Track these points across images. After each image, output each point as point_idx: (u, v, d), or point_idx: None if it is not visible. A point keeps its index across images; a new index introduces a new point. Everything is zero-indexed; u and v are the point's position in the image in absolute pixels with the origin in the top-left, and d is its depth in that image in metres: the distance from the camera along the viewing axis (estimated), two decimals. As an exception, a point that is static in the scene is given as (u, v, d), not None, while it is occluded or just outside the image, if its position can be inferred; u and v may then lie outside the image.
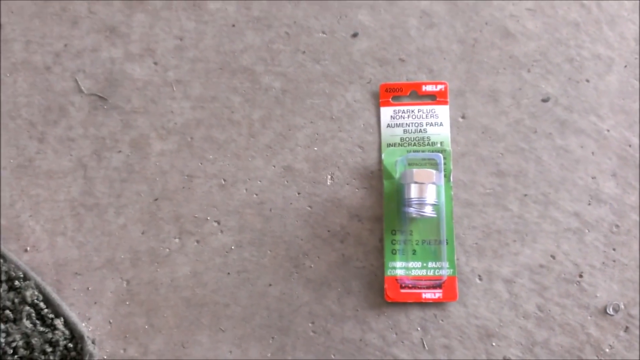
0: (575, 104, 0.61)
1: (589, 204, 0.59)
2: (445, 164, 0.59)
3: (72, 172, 0.61)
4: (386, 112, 0.61)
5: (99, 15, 0.64)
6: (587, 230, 0.59)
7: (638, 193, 0.59)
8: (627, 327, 0.57)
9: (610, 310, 0.57)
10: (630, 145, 0.60)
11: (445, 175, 0.59)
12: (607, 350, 0.57)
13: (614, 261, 0.58)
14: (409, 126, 0.61)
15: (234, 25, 0.63)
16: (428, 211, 0.56)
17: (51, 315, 0.56)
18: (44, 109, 0.62)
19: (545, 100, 0.61)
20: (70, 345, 0.56)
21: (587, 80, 0.61)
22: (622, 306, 0.57)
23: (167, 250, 0.60)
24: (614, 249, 0.58)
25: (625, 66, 0.61)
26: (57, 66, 0.63)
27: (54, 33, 0.63)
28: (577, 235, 0.58)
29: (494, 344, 0.57)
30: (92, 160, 0.61)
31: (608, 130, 0.60)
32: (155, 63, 0.63)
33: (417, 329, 0.58)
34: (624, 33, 0.62)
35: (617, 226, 0.59)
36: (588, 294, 0.58)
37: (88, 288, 0.59)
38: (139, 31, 0.63)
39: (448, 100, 0.61)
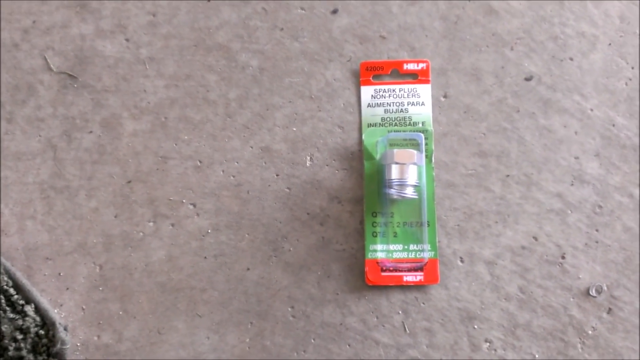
0: (559, 82, 0.59)
1: (572, 185, 0.58)
2: (426, 144, 0.58)
3: (42, 153, 0.59)
4: (367, 91, 0.60)
5: (68, -10, 0.61)
6: (569, 211, 0.58)
7: (621, 173, 0.58)
8: (610, 309, 0.57)
9: (593, 292, 0.57)
10: (614, 125, 0.59)
11: (426, 156, 0.58)
12: (590, 332, 0.57)
13: (597, 242, 0.57)
14: (390, 106, 0.59)
15: (209, 1, 0.61)
16: (409, 192, 0.55)
17: (21, 302, 0.55)
18: (12, 87, 0.60)
19: (528, 79, 0.60)
20: (42, 332, 0.54)
21: (571, 59, 0.60)
22: (604, 288, 0.57)
23: (141, 234, 0.58)
24: (596, 230, 0.58)
25: (610, 44, 0.60)
26: (25, 43, 0.60)
27: (22, 9, 0.61)
28: (560, 216, 0.58)
29: (475, 326, 0.57)
30: (62, 141, 0.59)
31: (592, 110, 0.59)
32: (127, 40, 0.61)
33: (399, 313, 0.57)
34: (608, 11, 0.61)
35: (600, 207, 0.58)
36: (570, 275, 0.57)
37: (59, 273, 0.57)
38: (110, 6, 0.61)
39: (430, 79, 0.60)
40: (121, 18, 0.61)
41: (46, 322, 0.55)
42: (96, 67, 0.60)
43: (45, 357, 0.54)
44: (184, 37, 0.61)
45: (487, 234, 0.58)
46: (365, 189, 0.58)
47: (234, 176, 0.59)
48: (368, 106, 0.60)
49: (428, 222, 0.57)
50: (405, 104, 0.59)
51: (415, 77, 0.60)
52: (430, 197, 0.58)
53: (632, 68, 0.60)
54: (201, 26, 0.61)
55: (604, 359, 0.56)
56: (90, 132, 0.59)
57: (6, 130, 0.59)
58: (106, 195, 0.58)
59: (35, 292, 0.55)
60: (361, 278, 0.57)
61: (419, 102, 0.59)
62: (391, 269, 0.57)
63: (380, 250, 0.57)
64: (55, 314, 0.56)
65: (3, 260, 0.56)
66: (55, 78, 0.60)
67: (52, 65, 0.60)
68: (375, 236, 0.57)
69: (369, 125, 0.59)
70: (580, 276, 0.57)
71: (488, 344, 0.57)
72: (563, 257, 0.57)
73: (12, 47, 0.61)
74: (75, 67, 0.60)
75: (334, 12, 0.61)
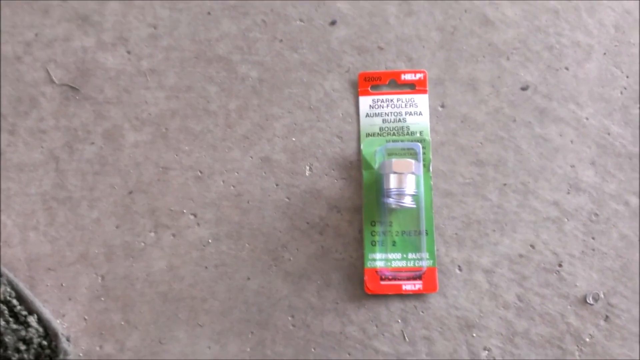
0: (555, 92, 0.60)
1: (568, 193, 0.59)
2: (424, 153, 0.59)
3: (44, 164, 0.59)
4: (365, 102, 0.60)
5: (70, 3, 0.62)
6: (566, 219, 0.58)
7: (617, 181, 0.59)
8: (607, 316, 0.57)
9: (590, 300, 0.57)
10: (609, 134, 0.59)
11: (424, 165, 0.59)
12: (587, 339, 0.57)
13: (594, 250, 0.58)
14: (388, 115, 0.60)
15: (209, 13, 0.62)
16: (407, 202, 0.55)
17: (24, 312, 0.55)
18: (14, 100, 0.60)
19: (524, 89, 0.60)
20: (45, 342, 0.55)
21: (567, 68, 0.61)
22: (601, 295, 0.57)
23: (143, 244, 0.58)
24: (593, 238, 0.58)
25: (605, 53, 0.61)
26: (28, 56, 0.61)
27: (25, 22, 0.62)
28: (557, 224, 0.58)
29: (474, 334, 0.57)
30: (64, 153, 0.60)
31: (587, 119, 0.60)
32: (129, 52, 0.61)
33: (398, 321, 0.57)
34: (603, 20, 0.61)
35: (596, 215, 0.58)
36: (568, 283, 0.58)
37: (62, 284, 0.58)
38: (111, 19, 0.62)
39: (427, 89, 0.60)
40: (122, 31, 0.62)
41: (49, 333, 0.55)
42: (98, 79, 0.61)
43: (48, 367, 0.55)
44: (185, 49, 0.61)
45: (485, 243, 0.58)
46: (364, 198, 0.59)
47: (234, 186, 0.59)
48: (366, 116, 0.60)
49: (426, 231, 0.58)
50: (403, 113, 0.60)
51: (412, 87, 0.60)
52: (429, 206, 0.58)
53: (627, 77, 0.60)
54: (201, 38, 0.62)
55: (602, 366, 0.57)
56: (92, 143, 0.60)
57: (9, 142, 0.60)
58: (108, 205, 0.59)
59: (38, 303, 0.56)
60: (360, 287, 0.58)
61: (416, 112, 0.60)
62: (390, 277, 0.57)
63: (379, 259, 0.58)
64: (57, 324, 0.56)
65: (6, 271, 0.56)
66: (57, 90, 0.61)
67: (54, 78, 0.61)
68: (374, 245, 0.58)
69: (368, 135, 0.60)
70: (577, 284, 0.58)
71: (487, 352, 0.57)
72: (560, 265, 0.58)
73: (15, 59, 0.61)
74: (77, 79, 0.61)
75: (333, 23, 0.62)
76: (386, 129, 0.60)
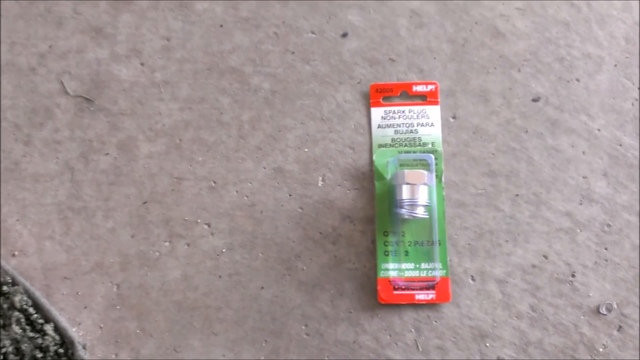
0: (566, 103, 0.61)
1: (581, 204, 0.59)
2: (436, 164, 0.59)
3: (59, 175, 0.60)
4: (377, 113, 0.61)
5: (84, 15, 0.63)
6: (579, 230, 0.59)
7: (629, 192, 0.59)
8: (620, 327, 0.57)
9: (603, 310, 0.57)
10: (620, 145, 0.60)
11: (436, 176, 0.59)
12: (601, 349, 0.57)
13: (606, 260, 0.58)
14: (399, 127, 0.60)
15: (221, 26, 0.63)
16: (420, 212, 0.56)
17: (41, 321, 0.55)
18: (29, 111, 0.61)
19: (535, 100, 0.61)
20: (61, 350, 0.55)
21: (578, 80, 0.61)
22: (615, 305, 0.58)
23: (157, 253, 0.59)
24: (606, 249, 0.58)
25: (615, 65, 0.61)
26: (42, 68, 0.62)
27: (39, 34, 0.63)
28: (569, 235, 0.59)
29: (487, 344, 0.57)
30: (79, 163, 0.60)
31: (599, 130, 0.60)
32: (142, 64, 0.62)
33: (411, 331, 0.58)
34: (613, 32, 0.62)
35: (608, 225, 0.59)
36: (581, 293, 0.58)
37: (77, 292, 0.58)
38: (125, 32, 0.63)
39: (439, 100, 0.61)
40: (136, 43, 0.62)
41: (65, 341, 0.55)
42: (112, 91, 0.62)
43: (64, 376, 0.55)
44: (198, 61, 0.62)
45: (498, 253, 0.59)
46: (377, 208, 0.59)
47: (247, 196, 0.60)
48: (378, 127, 0.61)
49: (439, 241, 0.58)
50: (415, 124, 0.60)
51: (424, 98, 0.61)
52: (441, 216, 0.59)
53: (638, 88, 0.61)
54: (214, 50, 0.62)
55: (615, 376, 0.57)
56: (107, 154, 0.61)
57: (24, 153, 0.60)
58: (123, 215, 0.60)
59: (54, 311, 0.56)
60: (374, 296, 0.58)
61: (428, 123, 0.60)
62: (403, 287, 0.58)
63: (392, 269, 0.58)
64: (73, 332, 0.56)
65: (22, 279, 0.56)
66: (71, 101, 0.62)
67: (68, 89, 0.62)
68: (387, 255, 0.58)
69: (380, 146, 0.60)
70: (591, 294, 0.58)
71: (499, 361, 0.57)
72: (573, 276, 0.58)
73: (29, 71, 0.62)
74: (92, 91, 0.62)
75: (344, 35, 0.62)
76: (398, 140, 0.60)
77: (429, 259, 0.58)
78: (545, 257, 0.58)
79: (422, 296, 0.57)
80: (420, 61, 0.62)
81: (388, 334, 0.58)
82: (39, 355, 0.54)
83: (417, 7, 0.62)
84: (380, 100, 0.61)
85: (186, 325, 0.58)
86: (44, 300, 0.56)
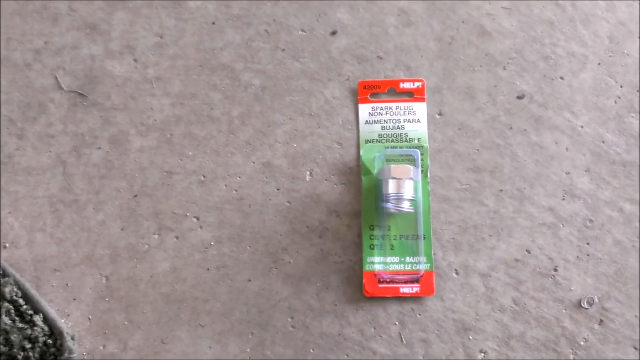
0: (550, 100, 0.61)
1: (563, 199, 0.60)
2: (422, 159, 0.60)
3: (51, 168, 0.61)
4: (364, 109, 0.62)
5: (79, 12, 0.64)
6: (561, 225, 0.59)
7: (611, 188, 0.60)
8: (601, 320, 0.58)
9: (584, 304, 0.58)
10: (603, 142, 0.61)
11: (422, 171, 0.60)
12: (582, 343, 0.58)
13: (588, 255, 0.59)
14: (386, 123, 0.61)
15: (214, 23, 0.64)
16: (406, 206, 0.57)
17: (30, 312, 0.56)
18: (24, 105, 0.62)
19: (520, 97, 0.62)
20: (50, 341, 0.56)
21: (562, 78, 0.62)
22: (596, 300, 0.58)
23: (147, 246, 0.60)
24: (587, 243, 0.59)
25: (599, 64, 0.62)
26: (37, 63, 0.63)
27: (34, 30, 0.64)
28: (552, 229, 0.59)
29: (470, 337, 0.58)
30: (71, 157, 0.61)
31: (582, 127, 0.61)
32: (135, 60, 0.63)
33: (395, 323, 0.58)
34: (597, 31, 0.63)
35: (590, 221, 0.59)
36: (563, 287, 0.58)
37: (67, 284, 0.59)
38: (119, 29, 0.64)
39: (425, 97, 0.62)
40: (130, 39, 0.63)
41: (54, 332, 0.56)
42: (105, 86, 0.63)
43: (53, 365, 0.55)
44: (190, 58, 0.63)
45: (482, 247, 0.59)
46: (363, 203, 0.60)
47: (236, 190, 0.61)
48: (366, 123, 0.62)
49: (424, 235, 0.59)
50: (402, 121, 0.61)
51: (411, 95, 0.62)
52: (426, 211, 0.59)
53: (621, 87, 0.61)
54: (206, 47, 0.63)
55: (597, 370, 0.58)
56: (99, 148, 0.61)
57: (17, 146, 0.61)
58: (113, 208, 0.60)
59: (44, 303, 0.57)
60: (359, 289, 0.59)
61: (414, 119, 0.61)
62: (388, 280, 0.58)
63: (378, 263, 0.59)
64: (62, 323, 0.57)
65: (12, 271, 0.57)
66: (65, 96, 0.62)
67: (62, 84, 0.63)
68: (373, 249, 0.59)
69: (367, 141, 0.61)
70: (572, 288, 0.59)
71: (483, 354, 0.58)
72: (555, 270, 0.59)
73: (25, 66, 0.63)
74: (85, 86, 0.63)
75: (333, 33, 0.63)
76: (385, 135, 0.61)
77: (414, 252, 0.59)
78: (528, 251, 0.59)
79: (406, 289, 0.58)
80: (408, 59, 0.63)
81: (373, 326, 0.58)
82: (28, 345, 0.55)
83: (405, 5, 0.63)
84: (368, 96, 0.62)
85: (173, 317, 0.59)
86: (33, 292, 0.57)
